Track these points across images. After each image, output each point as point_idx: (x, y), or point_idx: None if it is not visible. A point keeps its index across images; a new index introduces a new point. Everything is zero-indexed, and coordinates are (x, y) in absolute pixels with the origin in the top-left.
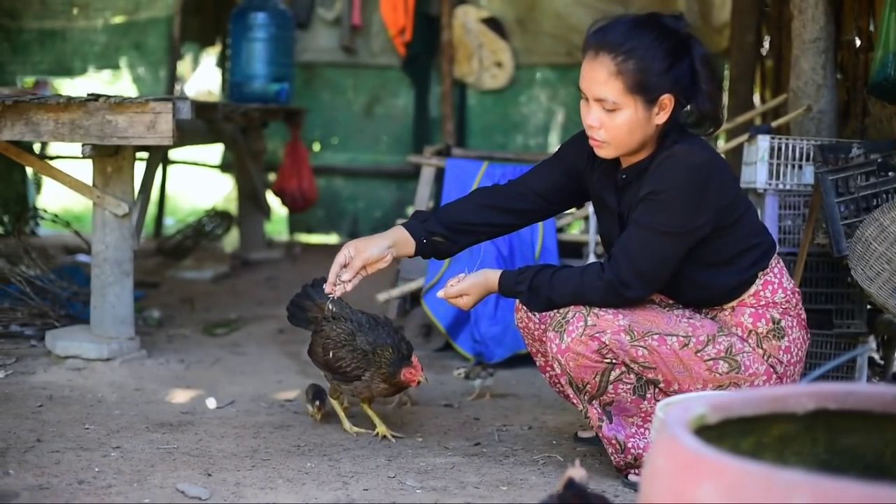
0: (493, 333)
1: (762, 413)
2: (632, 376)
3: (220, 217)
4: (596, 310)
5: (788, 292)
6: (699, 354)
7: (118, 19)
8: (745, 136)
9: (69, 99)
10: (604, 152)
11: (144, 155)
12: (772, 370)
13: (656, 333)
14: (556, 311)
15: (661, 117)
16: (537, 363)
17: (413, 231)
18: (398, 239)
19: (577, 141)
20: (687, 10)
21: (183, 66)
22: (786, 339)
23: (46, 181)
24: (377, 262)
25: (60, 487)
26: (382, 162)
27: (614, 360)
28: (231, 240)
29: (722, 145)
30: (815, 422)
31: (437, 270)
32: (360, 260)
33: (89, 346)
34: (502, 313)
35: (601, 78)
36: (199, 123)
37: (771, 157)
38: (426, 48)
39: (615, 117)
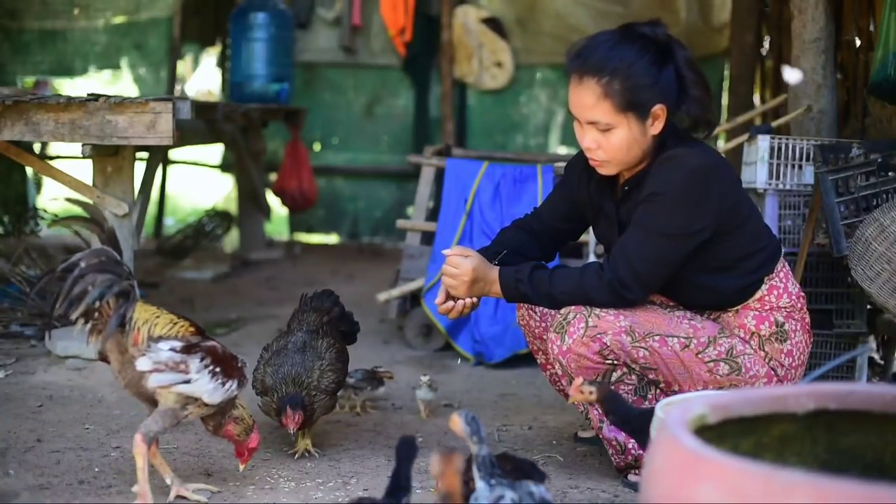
0: (492, 333)
1: (762, 413)
2: (633, 377)
3: (220, 217)
4: (597, 311)
5: (794, 297)
6: (700, 356)
7: (119, 19)
8: (745, 136)
9: (69, 99)
10: (605, 170)
11: (144, 155)
12: (773, 373)
13: (657, 335)
14: (556, 311)
15: (656, 128)
16: (538, 361)
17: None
18: None
19: (573, 161)
20: (687, 10)
21: (183, 67)
22: (788, 342)
23: (46, 181)
24: None
25: (60, 487)
26: (383, 162)
27: (616, 362)
28: (231, 240)
29: (722, 145)
30: (816, 422)
31: (437, 270)
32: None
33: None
34: (502, 313)
35: (589, 102)
36: (200, 123)
37: (771, 157)
38: (426, 48)
39: (611, 137)
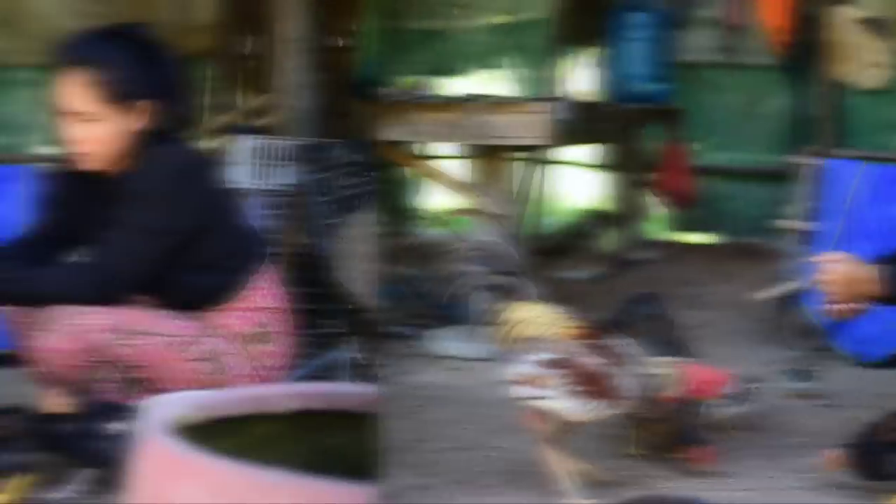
0: (872, 332)
1: (246, 413)
2: (118, 375)
3: (598, 217)
4: (81, 308)
5: (278, 298)
6: (184, 354)
7: (498, 19)
8: (227, 137)
9: (448, 99)
10: (87, 165)
11: (523, 155)
12: (256, 373)
13: (142, 333)
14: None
15: (139, 123)
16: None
17: None
18: None
19: (53, 174)
20: (169, 9)
21: (562, 66)
22: (271, 343)
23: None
24: None
25: (439, 487)
26: (760, 161)
27: (100, 359)
28: (609, 240)
29: (204, 146)
30: (300, 422)
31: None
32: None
33: (466, 346)
34: (884, 312)
35: (75, 91)
36: (578, 123)
37: (254, 157)
38: (804, 47)
39: (94, 129)
